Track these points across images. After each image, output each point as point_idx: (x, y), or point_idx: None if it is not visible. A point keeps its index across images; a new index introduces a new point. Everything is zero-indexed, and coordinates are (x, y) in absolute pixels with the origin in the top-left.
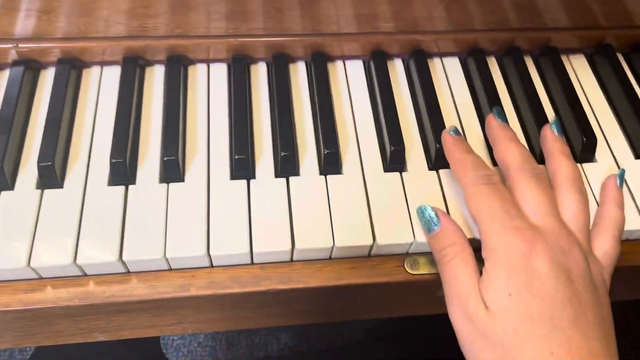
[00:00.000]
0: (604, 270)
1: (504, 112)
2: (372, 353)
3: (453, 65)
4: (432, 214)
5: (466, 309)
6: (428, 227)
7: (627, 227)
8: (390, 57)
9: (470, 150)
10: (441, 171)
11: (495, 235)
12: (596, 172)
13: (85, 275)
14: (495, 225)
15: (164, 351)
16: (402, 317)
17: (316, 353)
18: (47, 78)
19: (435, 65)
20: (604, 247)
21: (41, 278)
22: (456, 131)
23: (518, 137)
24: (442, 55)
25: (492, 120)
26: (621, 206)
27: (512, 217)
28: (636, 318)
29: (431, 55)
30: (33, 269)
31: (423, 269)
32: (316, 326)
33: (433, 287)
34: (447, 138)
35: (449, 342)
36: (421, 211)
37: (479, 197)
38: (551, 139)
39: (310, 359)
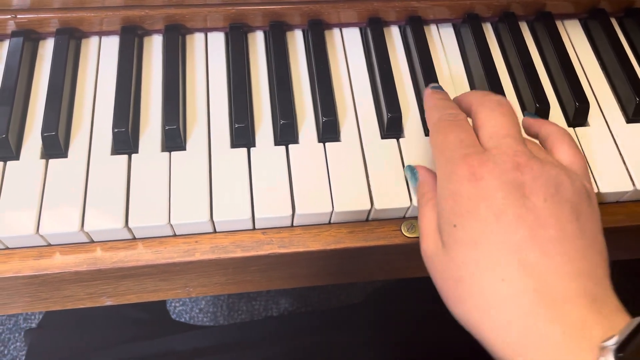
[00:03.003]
0: (582, 178)
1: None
2: (366, 314)
3: (449, 32)
4: (413, 170)
5: (427, 248)
6: (411, 180)
7: (617, 189)
8: (387, 24)
9: (444, 97)
10: None
11: (442, 165)
12: (589, 136)
13: (93, 241)
14: (445, 155)
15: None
16: (400, 281)
17: (312, 314)
18: (47, 49)
19: (432, 32)
20: (569, 156)
21: (50, 245)
22: (436, 86)
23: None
24: (438, 22)
25: (464, 94)
26: (554, 124)
27: (464, 145)
28: (625, 280)
29: (427, 22)
30: (42, 236)
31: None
32: (315, 292)
33: None
34: (426, 91)
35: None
36: (407, 169)
37: (437, 132)
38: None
39: (308, 319)
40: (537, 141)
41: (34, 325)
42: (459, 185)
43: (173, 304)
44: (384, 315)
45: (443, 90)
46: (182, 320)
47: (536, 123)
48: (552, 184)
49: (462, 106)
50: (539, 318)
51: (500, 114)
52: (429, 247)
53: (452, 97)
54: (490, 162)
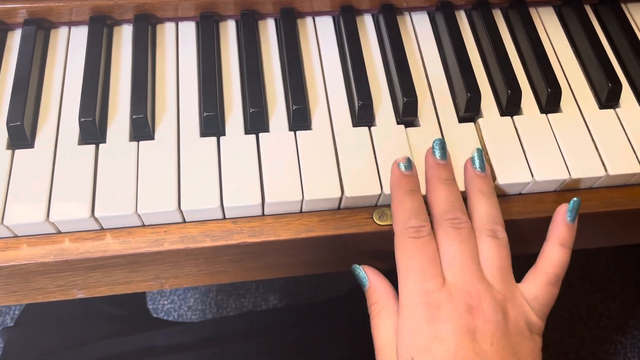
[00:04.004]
0: (529, 314)
1: (444, 145)
2: (349, 307)
3: (424, 20)
4: (362, 274)
5: None
6: (362, 284)
7: (590, 175)
8: (360, 12)
9: (412, 191)
10: (409, 129)
11: (405, 295)
12: (561, 122)
13: (60, 232)
14: (408, 283)
15: (154, 316)
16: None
17: (295, 308)
18: (15, 40)
19: (405, 21)
20: (534, 292)
21: (16, 236)
22: (407, 165)
23: (453, 176)
24: (411, 10)
25: (428, 156)
26: (566, 245)
27: (425, 277)
28: (614, 272)
29: (401, 11)
30: (7, 227)
31: (391, 220)
32: (304, 288)
33: None
34: (394, 172)
35: None
36: (354, 270)
37: (401, 250)
38: (471, 175)
39: (290, 312)
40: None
41: (15, 319)
42: (418, 323)
43: (161, 302)
44: (366, 308)
45: (412, 169)
46: (171, 318)
47: (551, 234)
48: (500, 329)
49: (428, 203)
50: None
51: (458, 241)
52: None
53: (424, 81)
54: (446, 304)
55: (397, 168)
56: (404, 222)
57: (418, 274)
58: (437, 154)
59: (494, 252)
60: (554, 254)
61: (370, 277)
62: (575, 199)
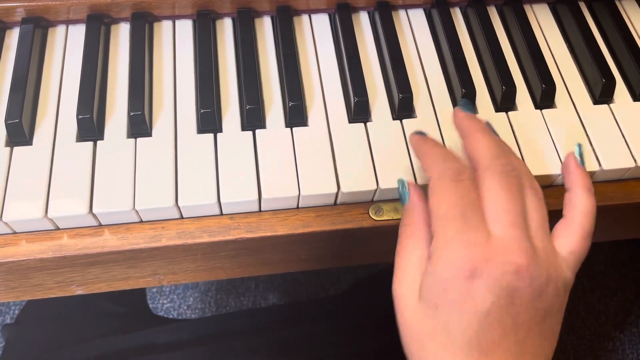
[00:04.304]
0: (567, 274)
1: (471, 104)
2: (347, 305)
3: (418, 17)
4: (404, 190)
5: (399, 291)
6: (401, 199)
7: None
8: (356, 9)
9: (439, 144)
10: (404, 121)
11: (445, 242)
12: (556, 117)
13: (58, 229)
14: (449, 231)
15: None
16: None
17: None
18: (13, 38)
19: (401, 18)
20: (569, 247)
21: (15, 233)
22: (421, 132)
23: (490, 128)
24: (407, 7)
25: (458, 112)
26: (590, 190)
27: (469, 226)
28: (613, 269)
29: (396, 8)
30: (6, 224)
31: (387, 216)
32: (303, 287)
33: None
34: (413, 137)
35: None
36: (398, 183)
37: (440, 193)
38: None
39: (290, 310)
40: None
41: (15, 317)
42: (453, 276)
43: (161, 301)
44: (365, 305)
45: (428, 136)
46: (170, 317)
47: (573, 182)
48: (538, 292)
49: (467, 152)
50: None
51: (508, 192)
52: (402, 292)
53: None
54: (491, 261)
55: (414, 135)
56: (442, 163)
57: (460, 222)
58: (466, 109)
59: (537, 209)
60: (584, 201)
61: (412, 194)
62: (577, 144)
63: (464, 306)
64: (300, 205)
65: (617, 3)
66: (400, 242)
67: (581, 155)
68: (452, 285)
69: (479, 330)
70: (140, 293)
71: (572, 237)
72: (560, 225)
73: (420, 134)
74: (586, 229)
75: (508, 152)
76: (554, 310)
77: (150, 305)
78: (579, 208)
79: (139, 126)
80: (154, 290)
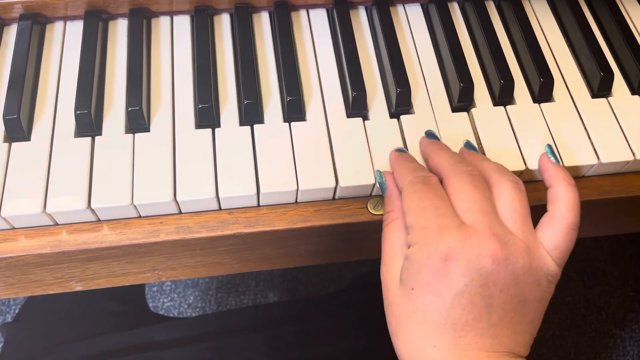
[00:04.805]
0: (549, 265)
1: (435, 135)
2: (348, 302)
3: (417, 11)
4: (382, 179)
5: (384, 274)
6: (382, 189)
7: (582, 163)
8: (354, 5)
9: (412, 160)
10: (402, 117)
11: (421, 229)
12: (554, 111)
13: (57, 224)
14: (422, 220)
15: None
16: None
17: (293, 302)
18: (11, 35)
19: (398, 13)
20: (555, 240)
21: (13, 228)
22: (401, 149)
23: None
24: (405, 2)
25: (421, 140)
26: (571, 183)
27: (441, 214)
28: (613, 267)
29: (394, 3)
30: (4, 219)
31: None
32: (303, 285)
33: None
34: (391, 155)
35: None
36: (377, 175)
37: (412, 194)
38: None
39: (289, 307)
40: None
41: (9, 319)
42: (428, 259)
43: (161, 300)
44: (365, 302)
45: (408, 153)
46: (171, 316)
47: (553, 176)
48: (514, 278)
49: (432, 169)
50: None
51: (473, 187)
52: (387, 274)
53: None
54: (464, 243)
55: (393, 152)
56: (412, 172)
57: (433, 211)
58: (430, 138)
59: (515, 197)
60: (565, 194)
61: (389, 184)
62: (546, 145)
63: (438, 287)
64: (298, 200)
65: None
66: (383, 230)
67: (553, 154)
68: (427, 267)
69: (452, 311)
70: (140, 291)
71: (555, 229)
72: (544, 219)
73: (401, 151)
74: (570, 221)
75: (476, 159)
76: (533, 299)
77: (151, 304)
78: (561, 201)
79: (137, 121)
80: (155, 289)
